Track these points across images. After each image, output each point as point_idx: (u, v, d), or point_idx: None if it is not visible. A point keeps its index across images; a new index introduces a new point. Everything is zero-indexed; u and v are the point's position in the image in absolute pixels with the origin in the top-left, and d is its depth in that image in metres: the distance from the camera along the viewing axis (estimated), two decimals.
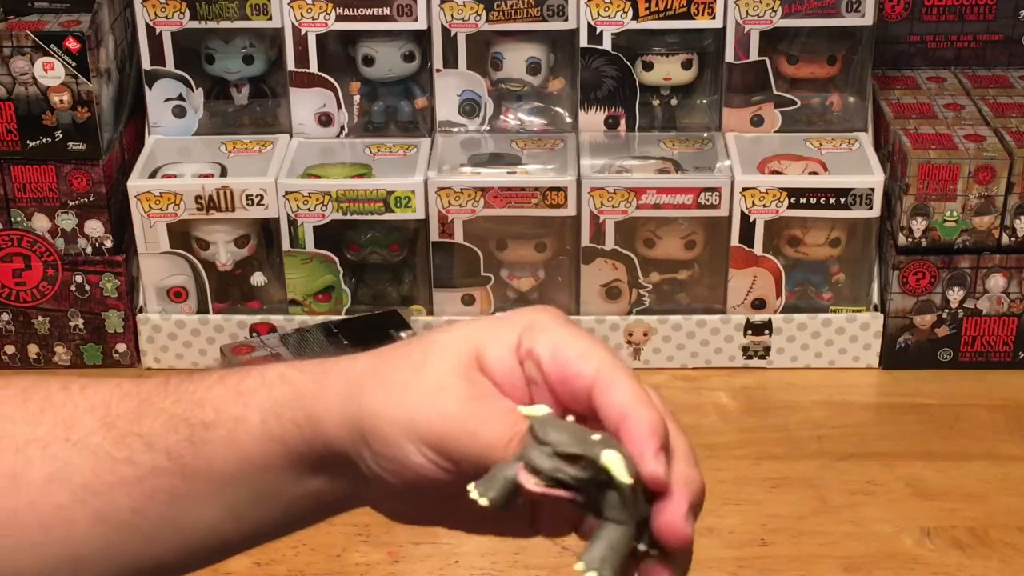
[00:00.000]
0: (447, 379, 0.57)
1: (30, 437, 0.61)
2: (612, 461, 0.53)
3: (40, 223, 1.37)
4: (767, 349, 1.40)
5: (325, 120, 1.43)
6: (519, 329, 0.59)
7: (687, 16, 1.37)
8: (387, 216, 1.36)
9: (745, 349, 1.41)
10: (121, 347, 1.42)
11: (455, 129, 1.44)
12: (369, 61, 1.40)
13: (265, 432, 0.59)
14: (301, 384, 0.60)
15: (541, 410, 0.55)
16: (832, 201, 1.35)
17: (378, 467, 0.58)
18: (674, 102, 1.44)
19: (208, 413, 0.60)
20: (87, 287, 1.39)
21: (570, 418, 0.56)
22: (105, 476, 0.60)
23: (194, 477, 0.60)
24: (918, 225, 1.35)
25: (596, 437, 0.54)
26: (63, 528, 0.60)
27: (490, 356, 0.58)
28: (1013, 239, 1.36)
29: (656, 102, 1.43)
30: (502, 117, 1.44)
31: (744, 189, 1.35)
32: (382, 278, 1.42)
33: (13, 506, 0.60)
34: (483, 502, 0.54)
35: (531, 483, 0.53)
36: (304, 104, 1.42)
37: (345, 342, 1.28)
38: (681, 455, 0.56)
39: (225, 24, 1.38)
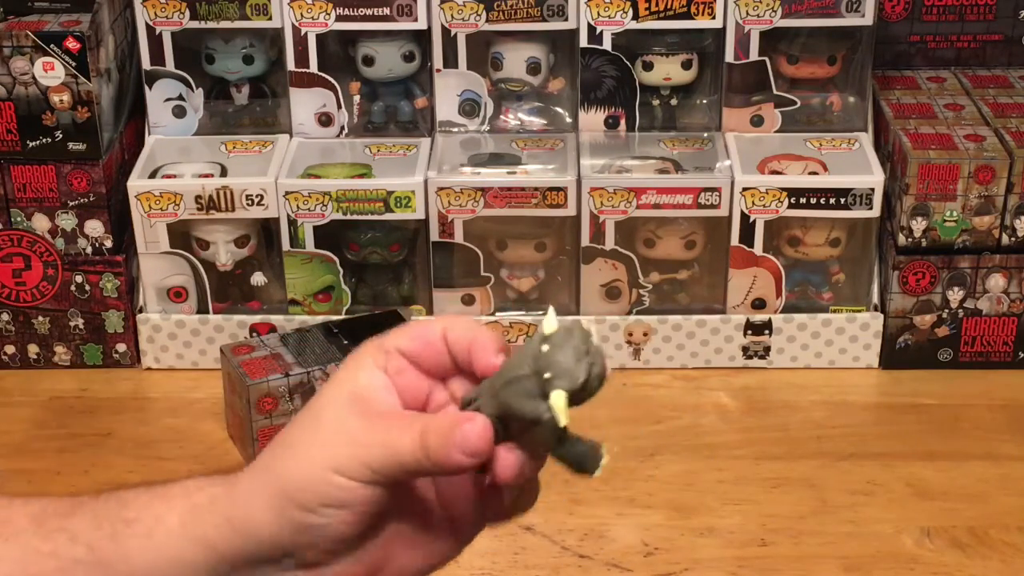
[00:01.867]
0: (344, 421, 0.63)
1: None
2: (557, 401, 0.60)
3: (40, 223, 1.37)
4: (767, 349, 1.40)
5: (325, 120, 1.43)
6: (371, 350, 0.65)
7: (687, 16, 1.37)
8: (387, 216, 1.36)
9: (745, 349, 1.41)
10: (121, 347, 1.42)
11: (455, 129, 1.44)
12: (369, 61, 1.40)
13: (184, 533, 0.63)
14: (215, 493, 0.64)
15: (550, 324, 0.61)
16: (832, 201, 1.35)
17: (331, 518, 0.62)
18: (674, 102, 1.44)
19: (131, 512, 0.64)
20: (87, 287, 1.40)
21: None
22: (31, 568, 0.64)
23: (112, 571, 0.63)
24: (918, 225, 1.35)
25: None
26: None
27: (363, 384, 0.64)
28: (1013, 239, 1.36)
29: (656, 102, 1.43)
30: (502, 117, 1.44)
31: (744, 189, 1.35)
32: (382, 278, 1.42)
33: None
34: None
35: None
36: (304, 104, 1.42)
37: (345, 342, 1.28)
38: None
39: (225, 24, 1.38)
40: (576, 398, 0.60)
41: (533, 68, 1.42)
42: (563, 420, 0.60)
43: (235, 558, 0.63)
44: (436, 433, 0.61)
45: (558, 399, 0.59)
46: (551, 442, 0.61)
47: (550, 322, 0.61)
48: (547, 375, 0.59)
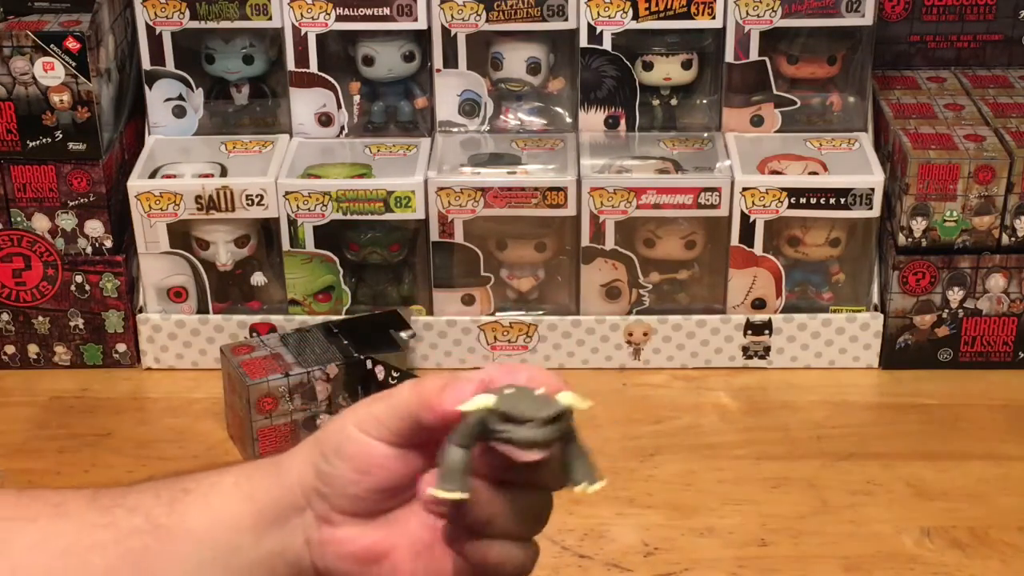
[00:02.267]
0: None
1: (21, 514, 0.67)
2: (569, 399, 0.61)
3: (40, 223, 1.37)
4: (767, 349, 1.40)
5: (325, 120, 1.43)
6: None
7: (687, 16, 1.37)
8: (387, 216, 1.36)
9: (745, 349, 1.41)
10: (121, 347, 1.42)
11: (455, 129, 1.44)
12: (369, 61, 1.40)
13: (236, 491, 0.68)
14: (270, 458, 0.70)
15: (485, 399, 0.61)
16: (832, 201, 1.35)
17: (336, 471, 0.66)
18: (674, 102, 1.44)
19: (189, 483, 0.69)
20: (87, 287, 1.39)
21: (509, 390, 0.62)
22: (85, 540, 0.66)
23: (167, 536, 0.66)
24: (918, 225, 1.35)
25: (540, 391, 0.61)
26: None
27: None
28: (1013, 239, 1.36)
29: (656, 102, 1.43)
30: (502, 117, 1.44)
31: (744, 189, 1.35)
32: (382, 278, 1.42)
33: None
34: (456, 496, 0.61)
35: (535, 455, 0.60)
36: (304, 104, 1.42)
37: (345, 342, 1.28)
38: None
39: (225, 24, 1.38)
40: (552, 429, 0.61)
41: (533, 68, 1.42)
42: (584, 403, 0.61)
43: (270, 508, 0.67)
44: (430, 383, 0.64)
45: (567, 397, 0.61)
46: (567, 434, 0.61)
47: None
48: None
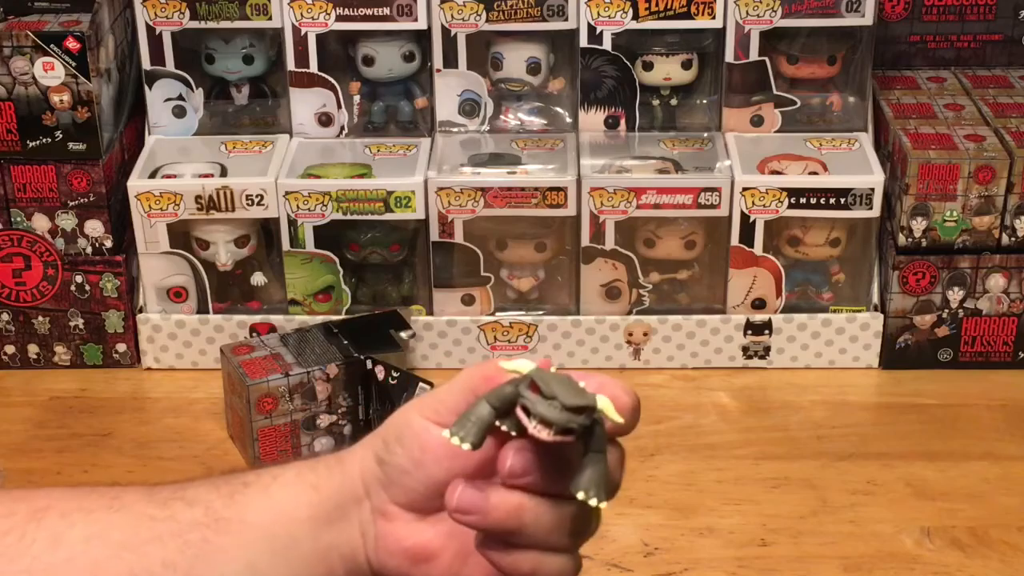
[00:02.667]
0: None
1: (76, 507, 0.66)
2: (606, 405, 0.61)
3: (40, 223, 1.37)
4: (767, 349, 1.40)
5: (325, 120, 1.43)
6: None
7: (687, 16, 1.37)
8: (387, 216, 1.36)
9: (745, 349, 1.41)
10: (121, 347, 1.42)
11: (455, 129, 1.44)
12: (369, 61, 1.40)
13: (299, 480, 0.68)
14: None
15: (526, 365, 0.62)
16: (832, 201, 1.35)
17: (395, 458, 0.66)
18: (674, 102, 1.44)
19: (250, 476, 0.69)
20: (87, 287, 1.39)
21: (554, 368, 0.63)
22: (143, 533, 0.66)
23: (226, 528, 0.66)
24: (918, 225, 1.35)
25: (583, 384, 0.61)
26: None
27: None
28: (1013, 239, 1.36)
29: (656, 102, 1.43)
30: (502, 117, 1.44)
31: (744, 189, 1.35)
32: (382, 278, 1.42)
33: (51, 562, 0.65)
34: (465, 446, 0.61)
35: (545, 434, 0.59)
36: (304, 104, 1.42)
37: (345, 342, 1.28)
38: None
39: (225, 24, 1.38)
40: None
41: (533, 68, 1.42)
42: (615, 415, 0.62)
43: (331, 498, 0.67)
44: (491, 362, 0.66)
45: (604, 401, 0.61)
46: (588, 434, 0.61)
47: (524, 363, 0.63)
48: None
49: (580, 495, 0.61)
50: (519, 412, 0.60)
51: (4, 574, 0.64)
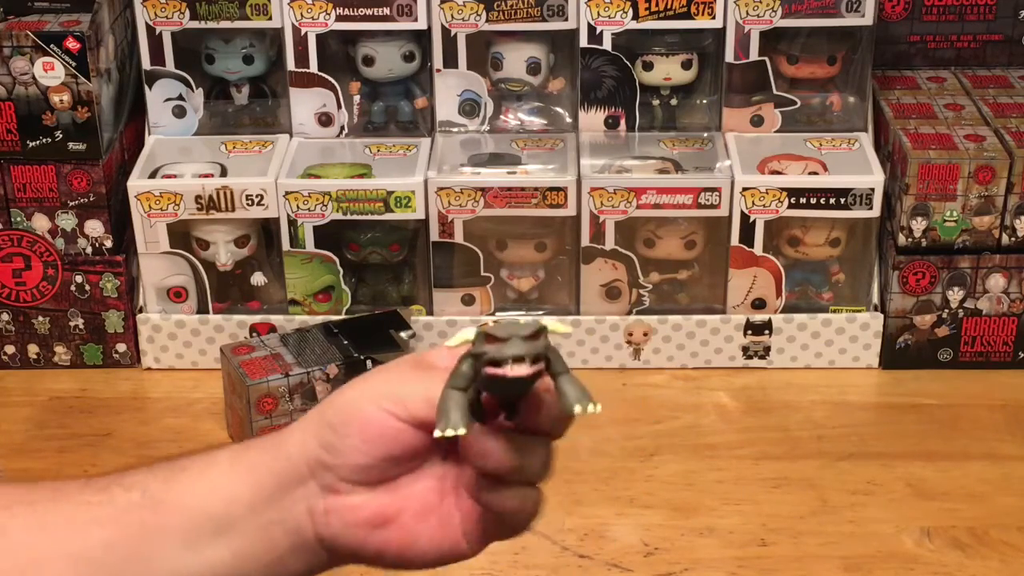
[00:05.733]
0: (395, 369, 0.69)
1: (18, 500, 0.68)
2: (550, 322, 0.64)
3: (40, 223, 1.37)
4: (767, 349, 1.40)
5: (325, 120, 1.43)
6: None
7: (687, 16, 1.37)
8: (387, 216, 1.36)
9: (745, 349, 1.41)
10: (121, 347, 1.42)
11: (455, 129, 1.44)
12: (369, 61, 1.40)
13: (233, 465, 0.69)
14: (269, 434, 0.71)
15: (469, 332, 0.64)
16: (832, 201, 1.35)
17: (345, 444, 0.66)
18: (674, 102, 1.44)
19: (186, 462, 0.70)
20: (87, 287, 1.40)
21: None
22: (82, 516, 0.67)
23: (164, 509, 0.67)
24: (918, 225, 1.35)
25: (522, 320, 0.64)
26: (35, 571, 0.66)
27: (432, 355, 0.70)
28: (1013, 239, 1.36)
29: (656, 102, 1.43)
30: (502, 117, 1.44)
31: (744, 189, 1.35)
32: (382, 278, 1.42)
33: None
34: (460, 431, 0.62)
35: (523, 370, 0.61)
36: (304, 104, 1.42)
37: (345, 342, 1.28)
38: None
39: (225, 24, 1.38)
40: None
41: (533, 68, 1.42)
42: (565, 328, 0.65)
43: (270, 479, 0.68)
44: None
45: (548, 319, 0.64)
46: (551, 355, 0.63)
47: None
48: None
49: (577, 410, 0.63)
50: (489, 370, 0.62)
51: None
